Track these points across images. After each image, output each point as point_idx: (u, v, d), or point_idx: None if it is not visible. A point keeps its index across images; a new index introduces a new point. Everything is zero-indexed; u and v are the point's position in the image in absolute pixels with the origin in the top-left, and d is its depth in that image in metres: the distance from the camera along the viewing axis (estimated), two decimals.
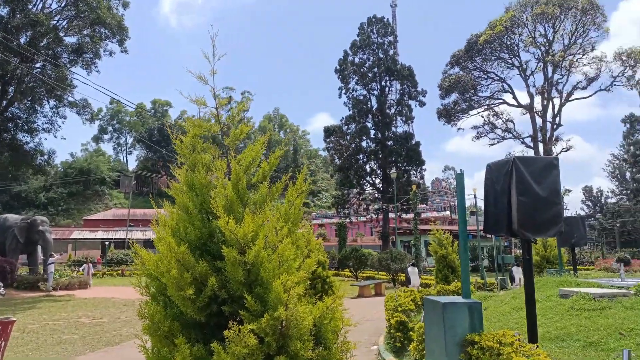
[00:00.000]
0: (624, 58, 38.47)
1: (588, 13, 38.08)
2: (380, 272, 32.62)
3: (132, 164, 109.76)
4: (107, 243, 51.27)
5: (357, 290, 25.32)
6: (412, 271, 23.96)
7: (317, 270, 15.01)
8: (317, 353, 3.51)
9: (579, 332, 8.83)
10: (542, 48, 42.62)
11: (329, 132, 55.50)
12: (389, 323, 10.61)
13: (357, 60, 55.31)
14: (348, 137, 54.29)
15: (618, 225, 39.67)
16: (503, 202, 7.24)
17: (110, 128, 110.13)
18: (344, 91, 55.63)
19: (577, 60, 40.66)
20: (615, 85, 39.77)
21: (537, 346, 6.01)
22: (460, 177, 7.50)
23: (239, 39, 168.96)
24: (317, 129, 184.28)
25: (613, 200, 49.64)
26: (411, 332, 9.05)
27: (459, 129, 55.50)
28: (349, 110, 55.14)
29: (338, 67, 55.71)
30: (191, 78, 4.14)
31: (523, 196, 7.00)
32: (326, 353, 3.57)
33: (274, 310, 3.26)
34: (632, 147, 44.89)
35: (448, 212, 68.20)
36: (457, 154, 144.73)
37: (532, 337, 6.91)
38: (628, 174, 47.29)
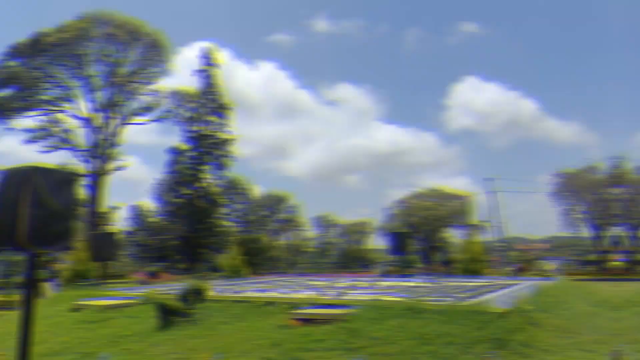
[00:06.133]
0: (176, 96, 44.41)
1: (154, 49, 42.04)
2: None
3: None
4: None
5: None
6: None
7: None
8: None
9: (80, 344, 9.11)
10: (111, 67, 43.53)
11: None
12: None
13: None
14: None
15: (156, 241, 44.32)
16: (13, 212, 6.74)
17: None
18: None
19: (139, 88, 43.68)
20: (168, 118, 45.21)
21: None
22: None
23: None
24: None
25: (155, 219, 55.09)
26: None
27: (10, 128, 48.36)
28: None
29: None
30: None
31: (36, 208, 6.71)
32: None
33: None
34: (173, 174, 51.79)
35: None
36: (9, 156, 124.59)
37: (24, 356, 6.61)
38: (168, 197, 54.04)
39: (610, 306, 11.78)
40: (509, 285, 15.54)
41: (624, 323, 9.64)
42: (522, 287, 14.39)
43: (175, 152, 52.55)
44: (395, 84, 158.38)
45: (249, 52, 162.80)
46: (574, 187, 42.10)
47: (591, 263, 43.31)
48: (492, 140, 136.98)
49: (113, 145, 43.21)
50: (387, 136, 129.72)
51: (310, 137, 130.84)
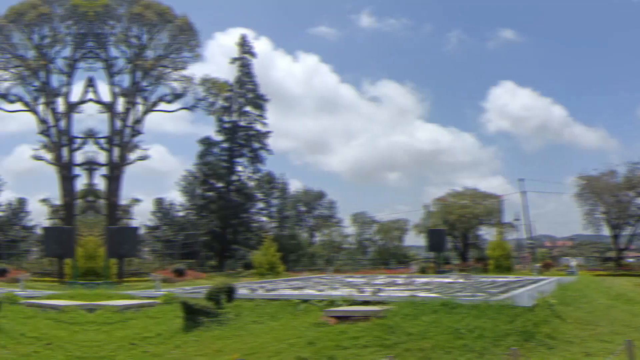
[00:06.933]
0: (209, 85, 42.85)
1: (184, 33, 40.15)
2: None
3: None
4: None
5: None
6: None
7: None
8: None
9: (92, 347, 8.17)
10: (134, 50, 41.22)
11: None
12: None
13: None
14: None
15: (182, 237, 43.30)
16: None
17: None
18: None
19: (167, 73, 41.66)
20: (198, 107, 43.04)
21: None
22: None
23: None
24: None
25: (182, 213, 53.55)
26: None
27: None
28: None
29: None
30: None
31: None
32: None
33: None
34: (203, 167, 50.68)
35: None
36: None
37: None
38: (198, 191, 52.63)
39: (625, 300, 13.00)
40: (536, 281, 16.03)
41: (637, 315, 10.68)
42: (548, 283, 14.84)
43: (207, 143, 51.33)
44: (436, 84, 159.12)
45: (289, 43, 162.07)
46: (596, 190, 44.71)
47: (610, 260, 46.38)
48: (525, 142, 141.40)
49: (136, 133, 40.98)
50: (428, 135, 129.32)
51: (351, 133, 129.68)
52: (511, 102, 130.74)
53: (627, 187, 43.14)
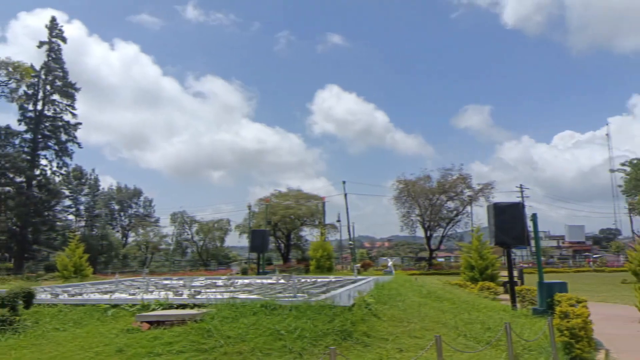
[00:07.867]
0: (10, 69, 38.14)
1: None
2: None
3: None
4: None
5: None
6: None
7: None
8: None
9: None
10: None
11: None
12: None
13: None
14: None
15: None
16: None
17: None
18: None
19: None
20: None
21: None
22: None
23: None
24: None
25: None
26: None
27: None
28: None
29: None
30: None
31: None
32: None
33: None
34: (1, 159, 44.81)
35: None
36: None
37: None
38: None
39: (435, 297, 13.63)
40: (355, 281, 16.68)
41: (445, 312, 11.30)
42: (366, 283, 15.52)
43: (6, 132, 45.70)
44: (263, 83, 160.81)
45: (106, 30, 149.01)
46: (412, 193, 48.19)
47: (423, 260, 51.53)
48: (349, 146, 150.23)
49: None
50: (254, 134, 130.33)
51: (173, 129, 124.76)
52: (337, 105, 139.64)
53: (440, 191, 47.35)
